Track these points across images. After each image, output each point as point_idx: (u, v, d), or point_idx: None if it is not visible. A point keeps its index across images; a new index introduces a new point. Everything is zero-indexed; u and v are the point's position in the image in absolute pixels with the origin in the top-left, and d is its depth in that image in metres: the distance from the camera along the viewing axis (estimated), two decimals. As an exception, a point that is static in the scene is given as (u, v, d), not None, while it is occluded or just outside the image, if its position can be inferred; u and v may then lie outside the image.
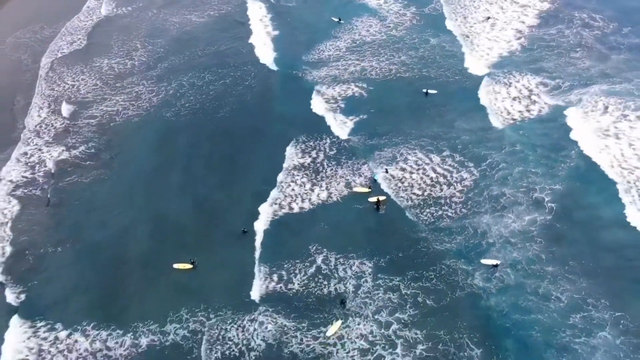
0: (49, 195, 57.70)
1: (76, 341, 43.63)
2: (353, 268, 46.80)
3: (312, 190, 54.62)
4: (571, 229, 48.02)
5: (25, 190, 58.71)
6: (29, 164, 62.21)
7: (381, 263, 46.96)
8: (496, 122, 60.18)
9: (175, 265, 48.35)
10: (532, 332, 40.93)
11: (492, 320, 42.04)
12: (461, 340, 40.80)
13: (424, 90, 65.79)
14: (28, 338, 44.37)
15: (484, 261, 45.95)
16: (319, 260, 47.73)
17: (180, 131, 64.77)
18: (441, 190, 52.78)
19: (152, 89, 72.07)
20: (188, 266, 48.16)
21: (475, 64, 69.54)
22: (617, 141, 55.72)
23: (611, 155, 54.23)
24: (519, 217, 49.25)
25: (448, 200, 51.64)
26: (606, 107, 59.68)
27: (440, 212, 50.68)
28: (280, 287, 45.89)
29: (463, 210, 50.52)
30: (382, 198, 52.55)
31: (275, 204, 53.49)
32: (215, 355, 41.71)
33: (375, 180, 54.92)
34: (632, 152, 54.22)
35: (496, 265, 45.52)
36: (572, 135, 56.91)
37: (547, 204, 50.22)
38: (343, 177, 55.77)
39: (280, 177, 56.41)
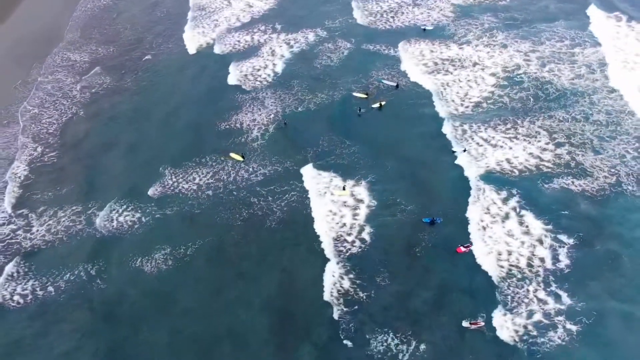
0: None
1: (128, 214, 48.42)
2: (352, 149, 52.58)
3: (322, 92, 60.47)
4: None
5: (76, 105, 62.57)
6: (78, 88, 65.74)
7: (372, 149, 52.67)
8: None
9: (231, 154, 52.63)
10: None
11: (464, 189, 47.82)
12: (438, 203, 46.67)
13: (423, 27, 69.93)
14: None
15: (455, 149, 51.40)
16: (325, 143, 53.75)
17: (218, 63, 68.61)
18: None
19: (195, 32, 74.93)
20: (240, 157, 52.30)
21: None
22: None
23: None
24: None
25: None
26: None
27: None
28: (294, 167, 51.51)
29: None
30: (382, 103, 57.81)
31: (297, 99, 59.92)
32: (242, 217, 46.88)
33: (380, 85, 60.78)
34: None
35: (465, 150, 50.96)
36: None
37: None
38: (344, 83, 61.51)
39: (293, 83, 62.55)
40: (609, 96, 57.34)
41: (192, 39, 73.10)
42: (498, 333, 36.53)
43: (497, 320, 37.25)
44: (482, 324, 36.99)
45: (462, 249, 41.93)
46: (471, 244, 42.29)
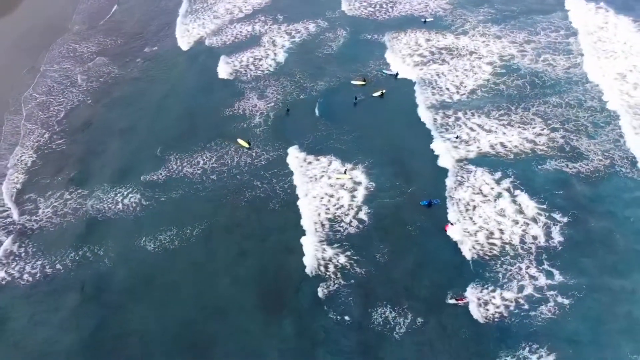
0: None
1: (133, 197, 49.21)
2: (352, 135, 53.87)
3: (322, 80, 61.73)
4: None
5: (82, 93, 63.43)
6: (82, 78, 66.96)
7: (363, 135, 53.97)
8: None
9: (238, 140, 53.73)
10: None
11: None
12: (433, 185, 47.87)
13: (422, 20, 70.88)
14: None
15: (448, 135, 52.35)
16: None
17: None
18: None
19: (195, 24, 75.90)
20: (246, 144, 53.32)
21: None
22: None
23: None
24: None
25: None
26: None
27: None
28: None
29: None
30: (384, 91, 58.83)
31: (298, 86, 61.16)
32: (246, 199, 48.02)
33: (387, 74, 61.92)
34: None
35: (457, 137, 51.92)
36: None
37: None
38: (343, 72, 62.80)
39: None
40: (602, 83, 58.29)
41: (194, 31, 74.01)
42: (489, 307, 37.38)
43: (488, 296, 38.11)
44: (467, 299, 37.73)
45: (450, 226, 42.94)
46: (452, 223, 43.35)
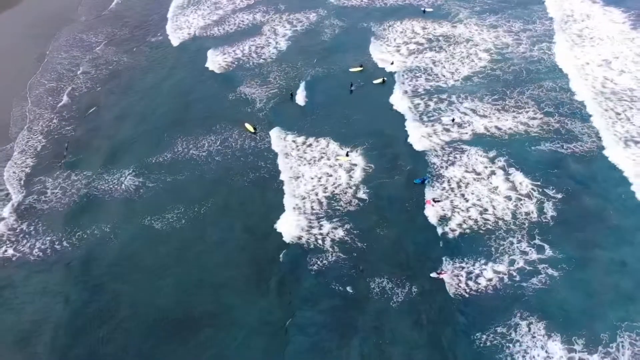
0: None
1: (140, 179, 50.46)
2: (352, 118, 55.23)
3: (322, 67, 63.22)
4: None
5: (91, 80, 64.92)
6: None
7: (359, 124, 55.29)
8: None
9: (245, 124, 55.04)
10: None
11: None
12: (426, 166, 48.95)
13: (422, 9, 72.20)
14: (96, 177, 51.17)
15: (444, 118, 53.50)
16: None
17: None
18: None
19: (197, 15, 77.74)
20: (252, 129, 54.62)
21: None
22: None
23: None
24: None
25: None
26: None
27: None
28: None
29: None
30: (385, 78, 60.06)
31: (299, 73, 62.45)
32: (249, 180, 49.27)
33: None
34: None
35: (453, 120, 53.17)
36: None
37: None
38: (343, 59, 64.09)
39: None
40: (597, 69, 59.23)
41: (194, 21, 75.23)
42: (480, 280, 38.36)
43: (479, 269, 39.12)
44: (445, 273, 38.87)
45: (432, 202, 44.04)
46: (436, 200, 44.54)
